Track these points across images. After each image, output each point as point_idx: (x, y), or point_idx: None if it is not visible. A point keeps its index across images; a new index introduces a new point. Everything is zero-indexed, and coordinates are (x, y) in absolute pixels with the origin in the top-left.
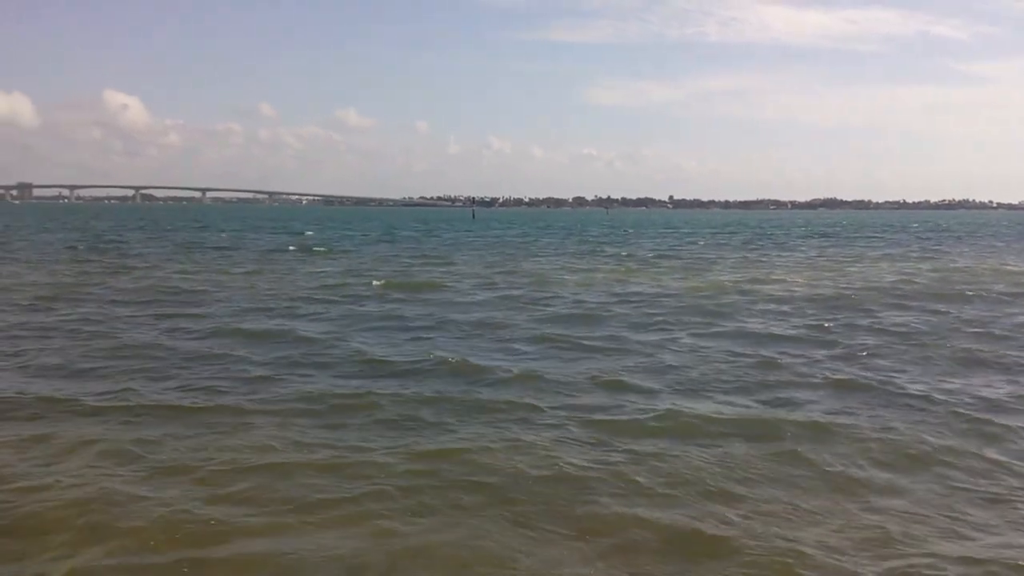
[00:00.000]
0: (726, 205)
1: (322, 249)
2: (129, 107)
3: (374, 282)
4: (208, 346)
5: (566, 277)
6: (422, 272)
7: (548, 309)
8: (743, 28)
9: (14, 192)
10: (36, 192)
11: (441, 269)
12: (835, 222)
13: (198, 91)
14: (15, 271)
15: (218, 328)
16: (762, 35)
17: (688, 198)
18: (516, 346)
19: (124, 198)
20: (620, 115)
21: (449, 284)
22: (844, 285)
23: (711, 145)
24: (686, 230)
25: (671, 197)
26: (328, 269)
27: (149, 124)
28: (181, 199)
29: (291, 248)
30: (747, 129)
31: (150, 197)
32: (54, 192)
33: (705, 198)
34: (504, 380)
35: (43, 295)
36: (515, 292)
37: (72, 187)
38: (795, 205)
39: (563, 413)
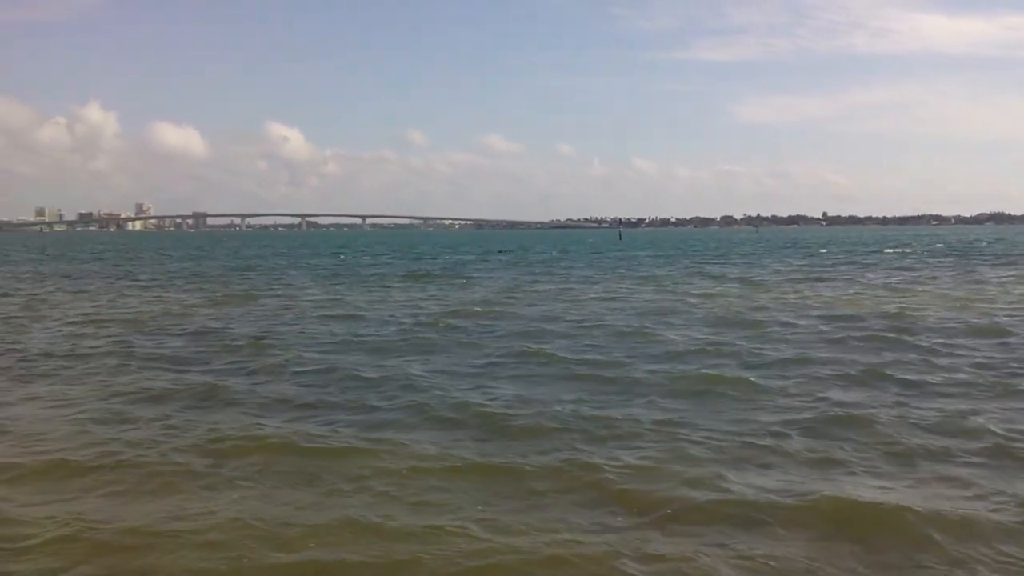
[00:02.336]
0: (883, 222)
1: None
2: (290, 139)
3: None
4: None
5: None
6: None
7: None
8: (896, 38)
9: (190, 221)
10: (210, 221)
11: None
12: None
13: (352, 121)
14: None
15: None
16: (917, 45)
17: (842, 215)
18: None
19: (290, 226)
20: (768, 131)
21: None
22: None
23: (865, 160)
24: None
25: (824, 214)
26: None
27: (310, 154)
28: (343, 226)
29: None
30: (904, 142)
31: (314, 224)
32: (226, 221)
33: (861, 214)
34: None
35: None
36: None
37: (243, 216)
38: (959, 220)
39: None
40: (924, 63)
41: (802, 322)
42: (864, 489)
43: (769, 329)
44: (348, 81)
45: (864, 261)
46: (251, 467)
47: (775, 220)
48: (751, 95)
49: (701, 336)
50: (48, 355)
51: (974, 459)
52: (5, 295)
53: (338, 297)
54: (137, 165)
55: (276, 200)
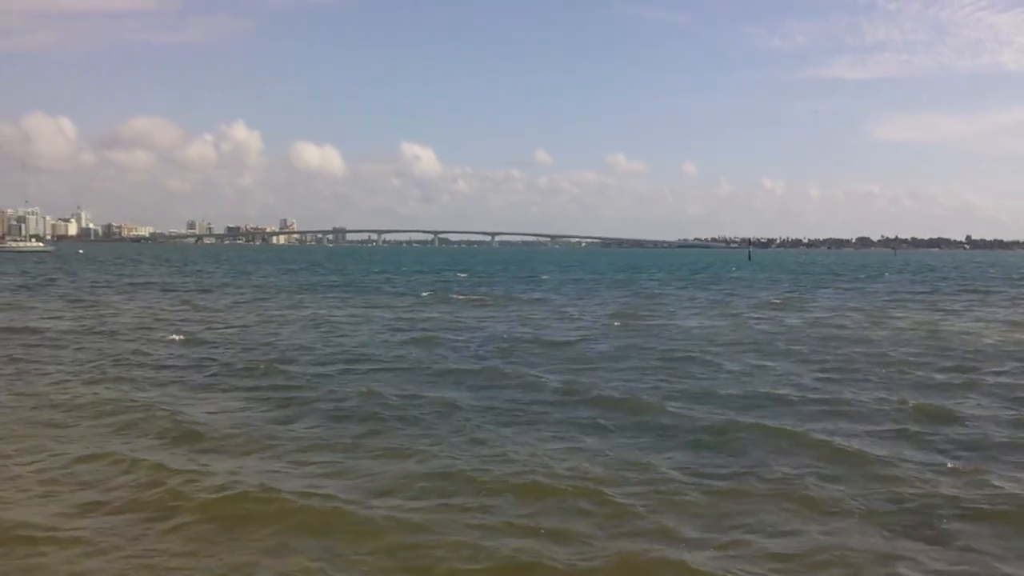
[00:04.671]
0: None
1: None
2: (422, 157)
3: None
4: None
5: None
6: None
7: None
8: None
9: (330, 236)
10: (348, 236)
11: None
12: None
13: (479, 141)
14: None
15: None
16: None
17: (987, 238)
18: None
19: (424, 242)
20: (905, 151)
21: None
22: None
23: (1011, 182)
24: None
25: (968, 237)
26: None
27: (441, 173)
28: (472, 242)
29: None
30: None
31: (446, 240)
32: (363, 236)
33: (1007, 238)
34: None
35: None
36: None
37: (379, 232)
38: None
39: None
40: None
41: None
42: None
43: None
44: (475, 101)
45: None
46: None
47: (914, 242)
48: (889, 114)
49: None
50: None
51: None
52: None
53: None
54: (279, 181)
55: (409, 216)
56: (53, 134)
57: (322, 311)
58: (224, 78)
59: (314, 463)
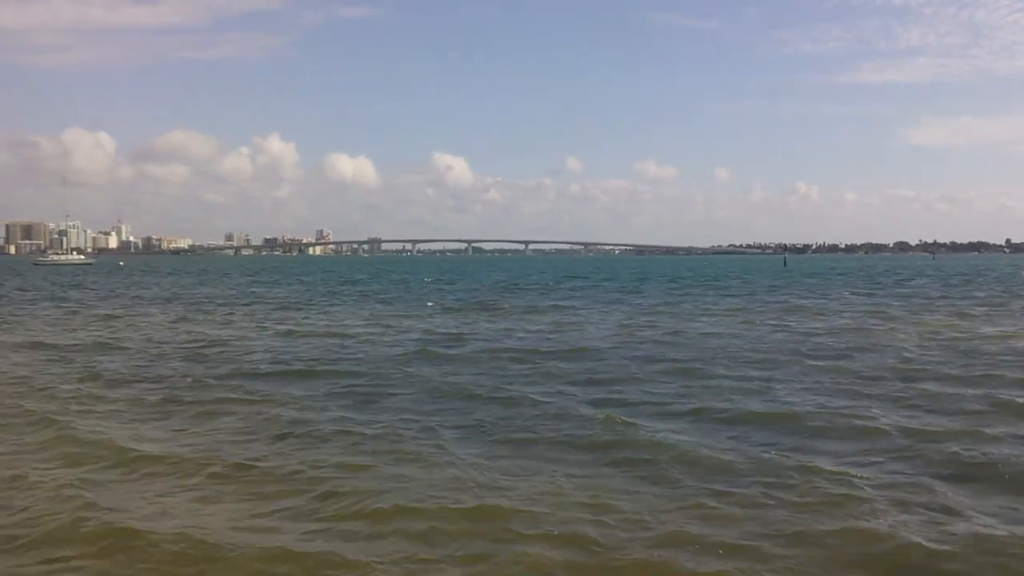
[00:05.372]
0: None
1: None
2: (454, 167)
3: None
4: None
5: None
6: None
7: None
8: None
9: (365, 247)
10: (384, 247)
11: None
12: None
13: (511, 150)
14: None
15: None
16: None
17: None
18: None
19: (458, 251)
20: (941, 155)
21: None
22: None
23: None
24: None
25: (1008, 241)
26: None
27: (473, 182)
28: (506, 251)
29: None
30: None
31: (480, 249)
32: (398, 246)
33: None
34: None
35: None
36: None
37: (414, 241)
38: None
39: None
40: None
41: None
42: None
43: None
44: (506, 110)
45: None
46: None
47: (953, 247)
48: (923, 118)
49: None
50: None
51: None
52: None
53: None
54: (315, 193)
55: (443, 226)
56: (92, 148)
57: (330, 322)
58: (258, 92)
59: (263, 493)
